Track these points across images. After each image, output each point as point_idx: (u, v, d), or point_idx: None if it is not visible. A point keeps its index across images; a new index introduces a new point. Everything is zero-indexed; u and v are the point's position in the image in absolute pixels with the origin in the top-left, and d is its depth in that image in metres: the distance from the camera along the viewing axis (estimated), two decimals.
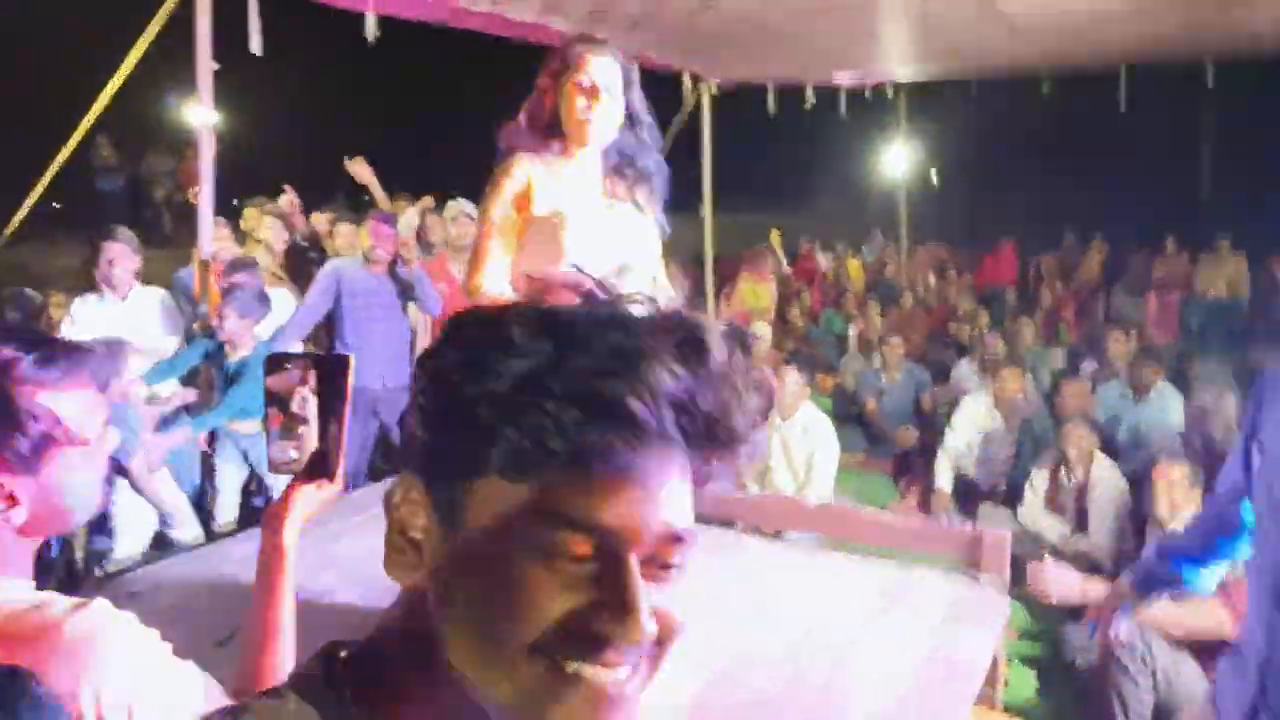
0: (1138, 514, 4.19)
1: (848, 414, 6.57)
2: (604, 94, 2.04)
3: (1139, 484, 4.24)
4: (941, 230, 11.90)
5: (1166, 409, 5.40)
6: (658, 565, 0.57)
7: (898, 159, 10.17)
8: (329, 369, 1.07)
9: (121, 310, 3.98)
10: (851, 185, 13.47)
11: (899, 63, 7.28)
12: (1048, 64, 7.00)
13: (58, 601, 0.94)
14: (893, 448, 6.06)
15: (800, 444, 4.43)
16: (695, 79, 7.49)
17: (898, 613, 2.99)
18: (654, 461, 0.55)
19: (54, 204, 5.72)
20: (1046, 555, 3.36)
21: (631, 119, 2.15)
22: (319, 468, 1.08)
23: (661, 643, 0.57)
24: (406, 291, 4.54)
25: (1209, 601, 3.06)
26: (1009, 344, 6.75)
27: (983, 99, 9.60)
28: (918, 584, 3.15)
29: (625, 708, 0.56)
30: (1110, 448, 4.85)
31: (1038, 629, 3.76)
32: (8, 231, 5.17)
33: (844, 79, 7.59)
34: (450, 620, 0.56)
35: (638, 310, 0.58)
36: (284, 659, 1.07)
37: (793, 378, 4.50)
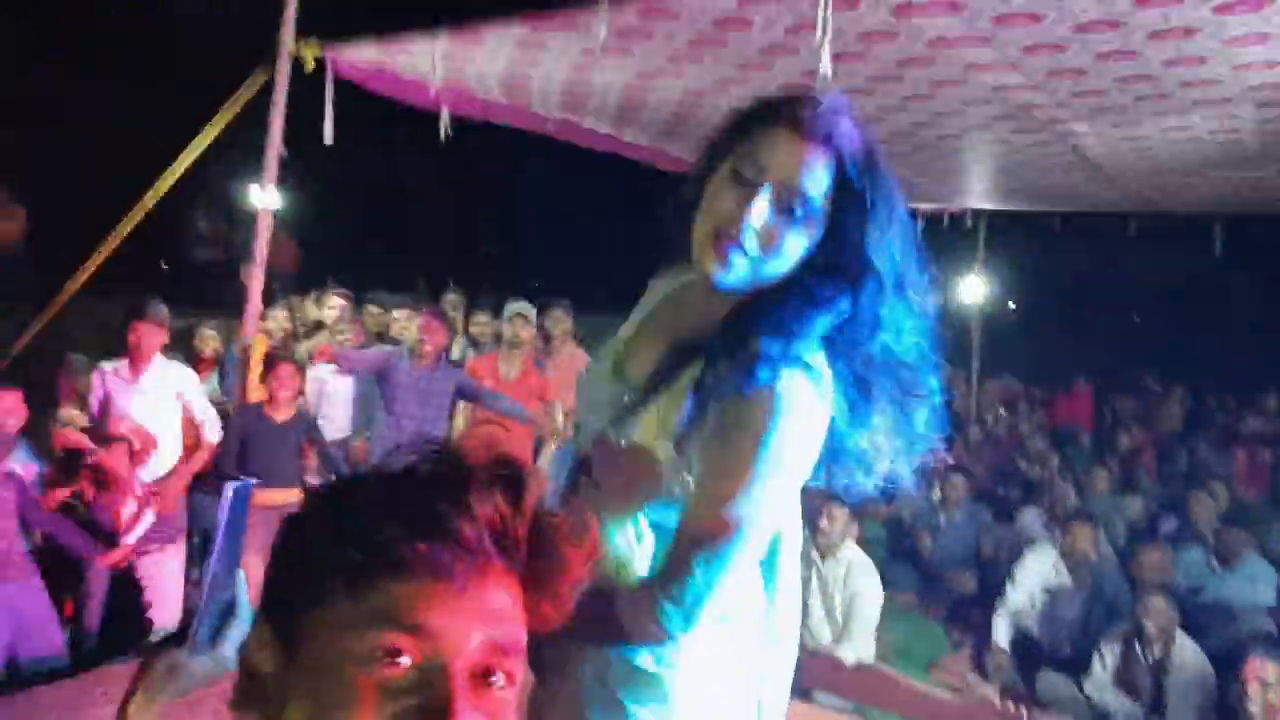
0: (1222, 704, 3.74)
1: (900, 548, 6.19)
2: (776, 201, 1.13)
3: (1223, 665, 3.80)
4: (1014, 366, 11.50)
5: (1256, 582, 4.91)
6: (483, 675, 0.62)
7: (972, 288, 9.89)
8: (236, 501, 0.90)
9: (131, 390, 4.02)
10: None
11: (979, 199, 7.11)
12: (1136, 207, 6.76)
13: None
14: (947, 590, 5.63)
15: (841, 587, 4.10)
16: None
17: None
18: (472, 573, 0.62)
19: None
20: None
21: (843, 265, 1.15)
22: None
23: None
24: (461, 390, 4.50)
25: None
26: (1081, 493, 6.32)
27: (1067, 234, 9.36)
28: None
29: None
30: (1190, 619, 4.39)
31: None
32: (72, 288, 5.22)
33: (923, 205, 7.47)
34: None
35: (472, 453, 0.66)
36: None
37: (839, 514, 4.21)
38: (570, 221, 12.78)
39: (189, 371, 4.36)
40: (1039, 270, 12.91)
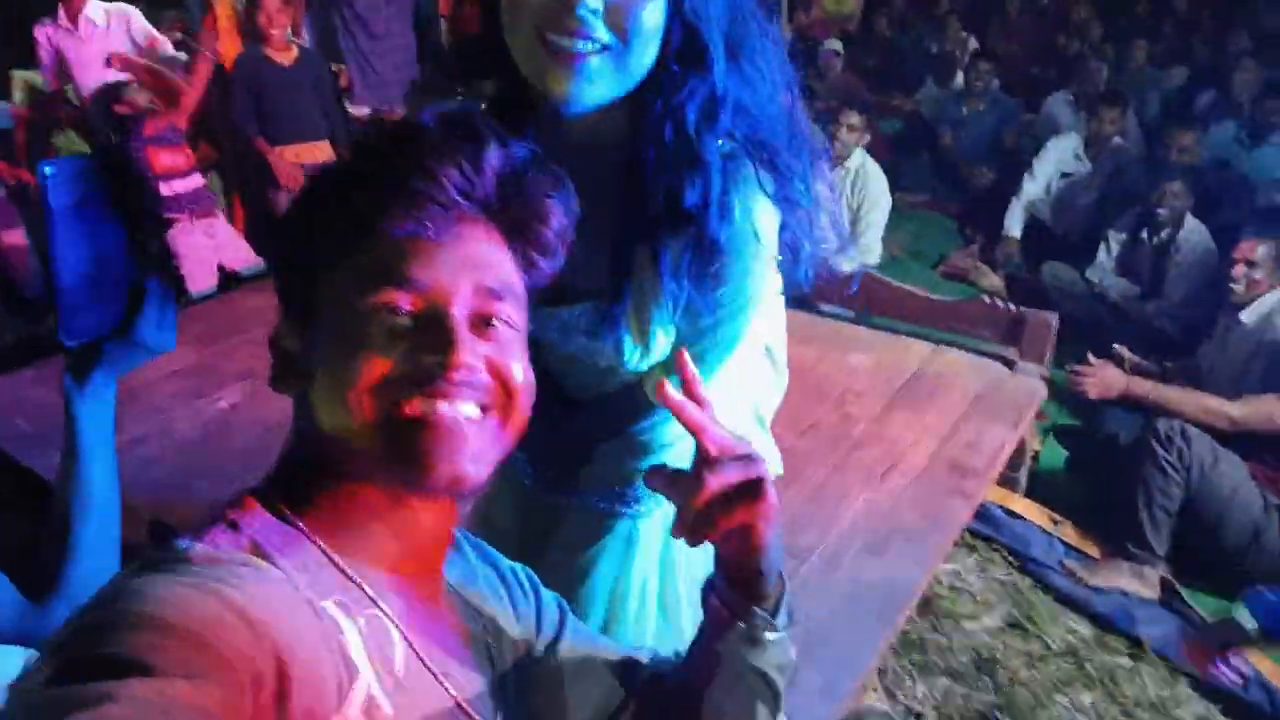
0: (1221, 279, 3.82)
1: (919, 145, 6.05)
2: None
3: (1231, 240, 3.83)
4: None
5: None
6: (481, 320, 0.68)
7: None
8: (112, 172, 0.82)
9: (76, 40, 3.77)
10: None
11: None
12: None
13: None
14: (963, 186, 5.59)
15: (848, 196, 4.08)
16: None
17: (921, 400, 2.87)
18: (446, 226, 0.67)
19: None
20: (1090, 355, 3.11)
21: (692, 53, 0.92)
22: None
23: (509, 394, 0.69)
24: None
25: (1267, 397, 2.85)
26: (1117, 68, 5.95)
27: None
28: (949, 371, 2.99)
29: (469, 444, 0.66)
30: (1209, 194, 4.35)
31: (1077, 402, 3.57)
32: None
33: None
34: (314, 391, 0.67)
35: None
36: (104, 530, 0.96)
37: (851, 120, 4.06)
38: None
39: (126, 5, 4.04)
40: None
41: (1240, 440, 2.81)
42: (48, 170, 0.79)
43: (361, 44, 4.04)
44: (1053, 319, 2.95)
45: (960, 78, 6.19)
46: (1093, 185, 4.82)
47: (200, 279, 3.76)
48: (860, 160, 4.12)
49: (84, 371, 0.92)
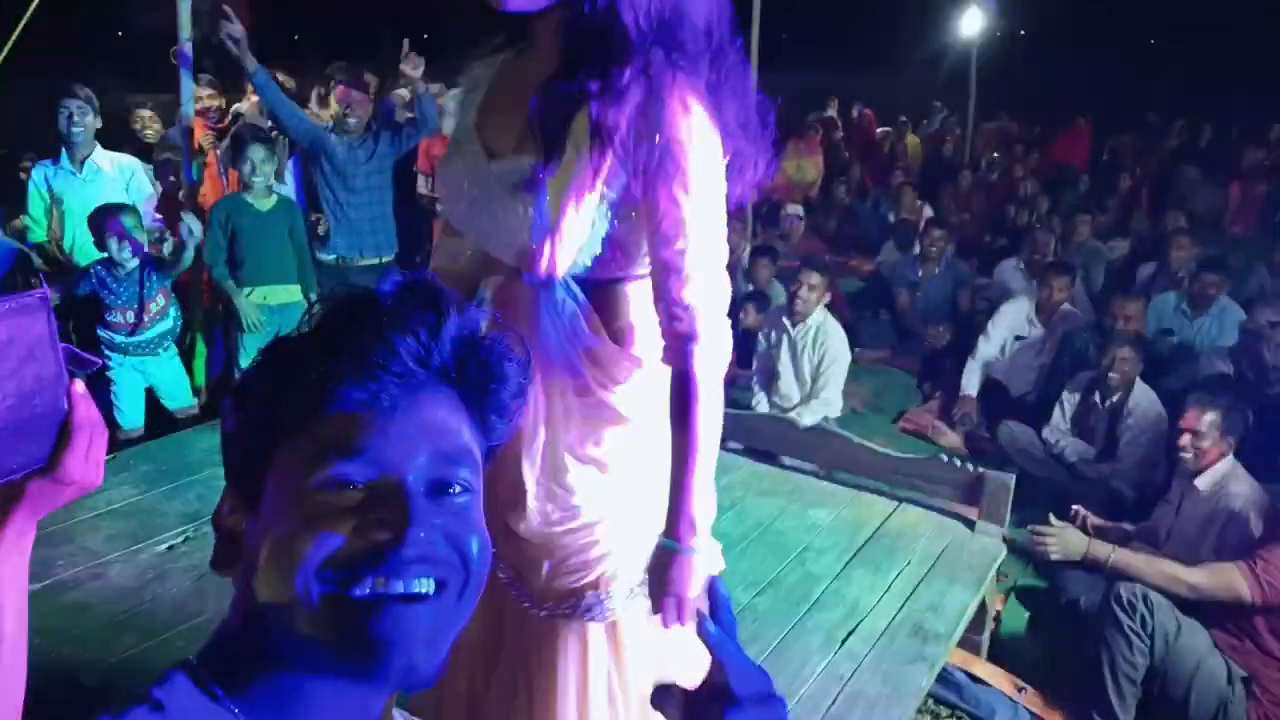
0: (1171, 445, 3.91)
1: (879, 304, 6.25)
2: None
3: (1178, 406, 3.94)
4: (1014, 104, 11.00)
5: (1224, 328, 4.99)
6: (438, 487, 0.65)
7: (972, 19, 9.28)
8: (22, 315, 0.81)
9: (79, 183, 3.86)
10: (921, 47, 12.46)
11: None
12: None
13: None
14: (921, 346, 5.75)
15: (809, 352, 4.18)
16: None
17: (882, 559, 2.85)
18: (402, 396, 0.65)
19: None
20: (1051, 517, 3.13)
21: None
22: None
23: (466, 567, 0.65)
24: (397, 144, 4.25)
25: (1226, 565, 2.85)
26: (1063, 239, 6.27)
27: None
28: (909, 529, 2.98)
29: (422, 627, 0.62)
30: (1155, 360, 4.51)
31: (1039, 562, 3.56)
32: None
33: None
34: (259, 572, 0.63)
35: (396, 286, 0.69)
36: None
37: (812, 280, 4.20)
38: None
39: (131, 159, 4.16)
40: None
41: (1202, 607, 2.79)
42: (31, 300, 0.77)
43: (339, 196, 4.17)
44: (1011, 480, 2.97)
45: (918, 245, 6.48)
46: (1045, 349, 4.97)
47: (131, 414, 3.75)
48: (821, 317, 4.24)
49: (5, 513, 0.88)
